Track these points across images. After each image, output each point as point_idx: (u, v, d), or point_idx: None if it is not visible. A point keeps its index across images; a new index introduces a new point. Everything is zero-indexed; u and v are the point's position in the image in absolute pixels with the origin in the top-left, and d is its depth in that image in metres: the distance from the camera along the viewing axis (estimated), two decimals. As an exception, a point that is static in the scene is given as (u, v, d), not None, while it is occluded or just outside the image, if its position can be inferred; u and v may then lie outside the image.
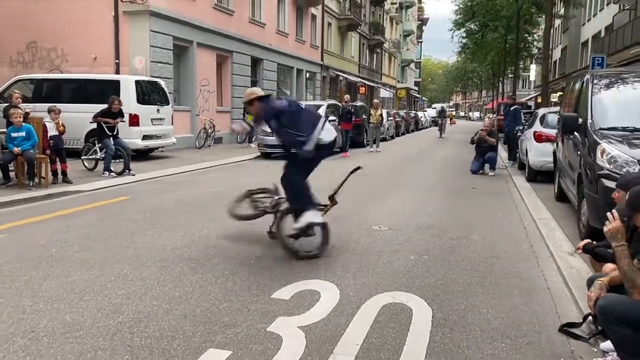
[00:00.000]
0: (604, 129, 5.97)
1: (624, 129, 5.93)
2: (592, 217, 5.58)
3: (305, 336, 3.36)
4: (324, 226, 5.24)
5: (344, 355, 3.13)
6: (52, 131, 9.38)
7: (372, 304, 3.95)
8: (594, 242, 3.59)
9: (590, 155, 5.81)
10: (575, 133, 6.74)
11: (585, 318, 3.59)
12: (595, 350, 3.31)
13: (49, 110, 9.65)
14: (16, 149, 8.47)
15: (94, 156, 10.87)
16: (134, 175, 10.37)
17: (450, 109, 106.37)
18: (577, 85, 7.63)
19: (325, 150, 5.19)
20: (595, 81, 6.68)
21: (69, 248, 5.30)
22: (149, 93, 13.62)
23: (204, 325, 3.49)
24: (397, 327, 3.57)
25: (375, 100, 21.93)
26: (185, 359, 3.03)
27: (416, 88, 76.90)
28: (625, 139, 5.70)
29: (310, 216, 5.09)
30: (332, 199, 5.51)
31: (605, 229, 2.93)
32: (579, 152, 6.38)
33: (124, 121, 11.01)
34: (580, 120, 6.53)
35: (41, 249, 5.28)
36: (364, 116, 20.06)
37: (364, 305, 3.93)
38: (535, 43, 42.29)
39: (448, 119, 42.97)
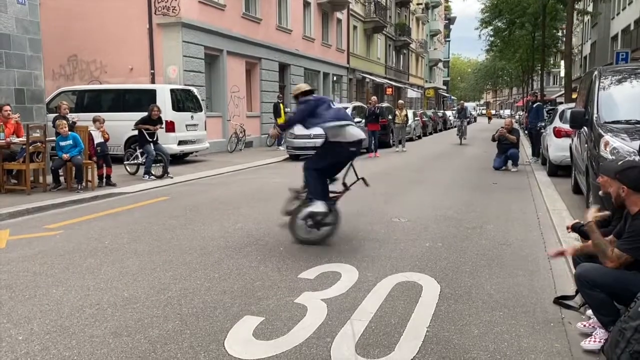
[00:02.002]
0: (609, 123, 6.35)
1: (627, 122, 6.30)
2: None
3: (327, 306, 3.91)
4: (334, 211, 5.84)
5: (359, 320, 3.66)
6: (97, 139, 10.16)
7: (387, 282, 4.47)
8: (581, 221, 4.04)
9: (595, 147, 6.20)
10: (585, 127, 7.12)
11: (577, 291, 4.02)
12: (583, 317, 3.75)
13: (94, 120, 10.42)
14: (65, 156, 9.25)
15: (135, 161, 11.65)
16: (171, 178, 11.09)
17: (482, 107, 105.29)
18: (588, 82, 7.98)
19: (346, 148, 5.72)
20: (602, 77, 7.05)
21: (119, 240, 5.98)
22: (183, 101, 14.41)
23: (240, 299, 4.07)
24: (407, 299, 4.09)
25: (400, 101, 22.34)
26: (226, 323, 3.62)
27: (444, 87, 76.75)
28: (627, 131, 6.07)
29: (313, 207, 5.63)
30: (344, 185, 6.03)
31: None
32: (586, 145, 6.76)
33: (162, 127, 11.75)
34: (588, 115, 6.91)
35: (95, 241, 5.96)
36: (389, 117, 20.51)
37: (379, 283, 4.46)
38: (564, 39, 41.86)
39: (471, 120, 41.49)
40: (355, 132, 5.74)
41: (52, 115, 11.27)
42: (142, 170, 11.30)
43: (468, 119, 29.96)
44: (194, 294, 4.18)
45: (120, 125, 13.03)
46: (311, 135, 16.06)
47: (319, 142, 15.91)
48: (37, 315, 3.79)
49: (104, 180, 10.14)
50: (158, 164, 11.26)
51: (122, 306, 3.94)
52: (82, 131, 9.88)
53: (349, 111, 16.82)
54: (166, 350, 3.22)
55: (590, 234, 3.38)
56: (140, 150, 11.36)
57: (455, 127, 36.24)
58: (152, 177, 10.96)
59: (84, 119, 11.60)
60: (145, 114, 11.29)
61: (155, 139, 11.18)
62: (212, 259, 5.17)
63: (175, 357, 3.14)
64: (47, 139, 9.68)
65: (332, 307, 3.89)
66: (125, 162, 11.83)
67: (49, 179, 9.70)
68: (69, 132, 9.47)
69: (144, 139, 11.05)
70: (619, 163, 3.47)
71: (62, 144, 9.35)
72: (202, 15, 17.56)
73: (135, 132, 11.43)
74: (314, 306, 3.91)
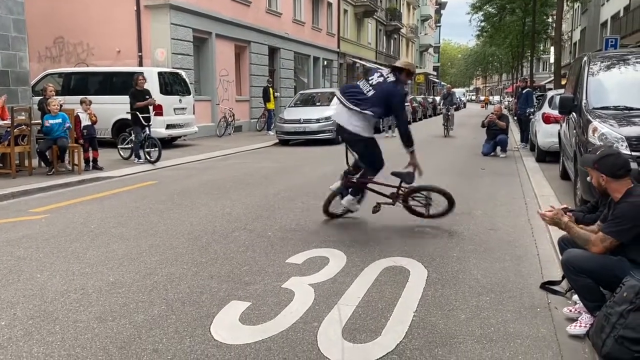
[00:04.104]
0: (597, 109, 6.34)
1: (615, 108, 6.30)
2: (584, 192, 5.98)
3: (315, 291, 3.89)
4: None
5: (346, 305, 3.66)
6: (85, 121, 10.03)
7: (374, 267, 4.47)
8: (569, 207, 4.05)
9: (583, 133, 6.20)
10: (573, 113, 7.12)
11: (564, 277, 4.04)
12: (569, 302, 3.77)
13: (81, 102, 10.28)
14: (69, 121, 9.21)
15: (129, 145, 11.45)
16: (152, 163, 10.89)
17: (471, 93, 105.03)
18: (577, 68, 7.97)
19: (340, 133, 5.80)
20: (591, 63, 7.04)
21: (105, 224, 5.92)
22: (171, 84, 14.24)
23: (227, 284, 4.05)
24: (395, 284, 4.08)
25: (391, 86, 22.17)
26: (212, 308, 3.59)
27: (435, 73, 76.67)
28: (615, 117, 6.07)
29: None
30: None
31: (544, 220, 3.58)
32: (575, 131, 6.77)
33: (155, 101, 11.37)
34: (577, 101, 6.90)
35: (81, 225, 5.90)
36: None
37: (367, 267, 4.45)
38: (554, 25, 41.85)
39: (460, 106, 40.37)
40: (335, 116, 5.77)
41: (37, 98, 11.07)
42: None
43: (455, 106, 26.64)
44: (181, 279, 4.15)
45: (108, 108, 12.89)
46: (301, 120, 16.04)
47: (309, 127, 15.92)
48: (20, 300, 3.74)
49: (91, 164, 10.03)
50: (153, 149, 11.02)
51: (107, 291, 3.90)
52: (69, 114, 9.73)
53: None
54: (151, 336, 3.19)
55: (568, 232, 3.45)
56: (135, 134, 11.13)
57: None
58: (140, 160, 10.84)
59: (70, 101, 11.44)
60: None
61: (149, 123, 10.91)
62: (199, 244, 5.14)
63: (160, 342, 3.12)
64: (32, 121, 9.53)
65: (319, 292, 3.88)
66: (119, 146, 11.68)
67: (35, 162, 9.57)
68: (58, 112, 9.34)
69: (139, 123, 10.74)
70: (597, 152, 3.46)
71: (52, 122, 9.19)
72: (190, -3, 17.32)
73: (124, 116, 11.23)
74: (301, 291, 3.90)
